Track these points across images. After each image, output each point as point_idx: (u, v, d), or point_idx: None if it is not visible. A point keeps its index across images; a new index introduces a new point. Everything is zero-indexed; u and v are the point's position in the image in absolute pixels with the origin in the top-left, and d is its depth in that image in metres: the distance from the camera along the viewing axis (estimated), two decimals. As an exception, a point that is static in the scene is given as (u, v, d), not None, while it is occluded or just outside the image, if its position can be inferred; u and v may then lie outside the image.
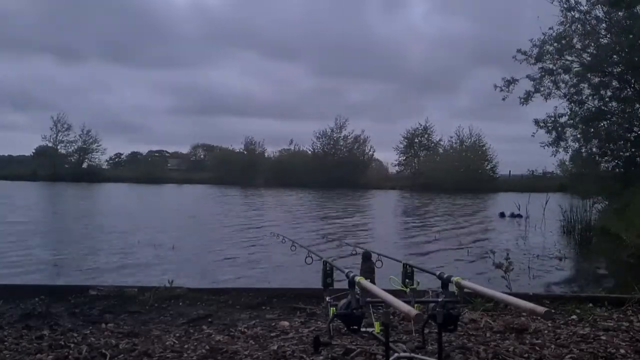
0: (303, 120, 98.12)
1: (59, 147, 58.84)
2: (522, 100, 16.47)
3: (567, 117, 16.28)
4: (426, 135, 57.76)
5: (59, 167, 55.78)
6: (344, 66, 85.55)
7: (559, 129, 16.16)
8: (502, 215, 18.74)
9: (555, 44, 15.84)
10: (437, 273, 2.42)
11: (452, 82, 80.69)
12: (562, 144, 16.33)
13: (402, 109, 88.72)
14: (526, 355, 3.13)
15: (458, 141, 54.21)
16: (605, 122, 15.92)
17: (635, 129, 15.65)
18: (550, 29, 15.88)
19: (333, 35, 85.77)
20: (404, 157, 57.57)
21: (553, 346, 3.30)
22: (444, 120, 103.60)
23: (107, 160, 65.11)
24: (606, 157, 16.35)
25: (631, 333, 3.63)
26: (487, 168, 52.90)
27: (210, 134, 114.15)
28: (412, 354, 2.54)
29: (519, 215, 17.27)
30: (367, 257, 2.88)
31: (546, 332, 3.63)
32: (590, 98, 16.20)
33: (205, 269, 8.28)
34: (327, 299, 2.56)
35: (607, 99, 16.13)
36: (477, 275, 7.60)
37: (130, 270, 7.96)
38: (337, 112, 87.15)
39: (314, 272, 3.98)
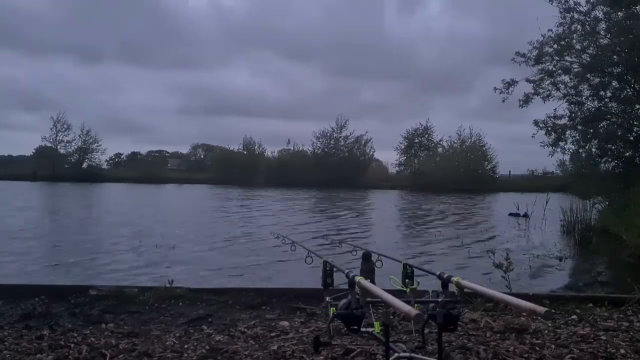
0: (312, 120, 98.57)
1: (58, 147, 58.90)
2: (521, 102, 16.48)
3: (566, 118, 16.29)
4: (426, 135, 57.88)
5: (59, 167, 55.75)
6: (355, 66, 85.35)
7: (559, 130, 16.16)
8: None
9: (555, 45, 15.83)
10: (437, 273, 2.42)
11: (462, 83, 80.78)
12: (562, 144, 16.33)
13: (410, 109, 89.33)
14: (526, 355, 3.13)
15: (458, 141, 54.29)
16: (605, 123, 15.91)
17: (635, 129, 15.64)
18: (549, 30, 15.89)
19: (347, 35, 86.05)
20: (404, 157, 57.64)
21: (553, 346, 3.30)
22: (452, 121, 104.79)
23: (107, 160, 65.20)
24: (606, 158, 16.34)
25: (631, 333, 3.63)
26: (487, 168, 52.93)
27: (218, 134, 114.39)
28: (412, 354, 2.54)
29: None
30: (367, 257, 2.87)
31: (546, 332, 3.63)
32: (590, 99, 16.21)
33: (205, 269, 8.28)
34: (327, 299, 2.56)
35: (606, 100, 16.12)
36: (477, 275, 7.60)
37: (130, 270, 7.96)
38: (345, 112, 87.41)
39: (314, 272, 3.98)
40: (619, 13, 14.81)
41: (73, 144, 58.95)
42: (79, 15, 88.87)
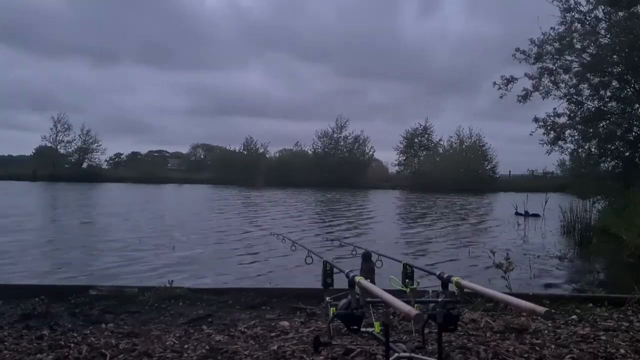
0: (321, 121, 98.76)
1: (59, 147, 58.97)
2: (520, 98, 16.43)
3: (566, 117, 16.28)
4: (426, 135, 57.95)
5: (59, 167, 55.82)
6: (365, 67, 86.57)
7: (558, 129, 16.15)
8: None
9: (556, 44, 15.81)
10: (437, 273, 2.42)
11: (472, 84, 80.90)
12: (561, 143, 16.32)
13: (419, 110, 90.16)
14: (526, 355, 3.13)
15: (458, 141, 54.34)
16: (604, 122, 15.90)
17: (634, 129, 15.64)
18: (551, 28, 15.87)
19: (358, 37, 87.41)
20: (404, 157, 57.69)
21: (553, 346, 3.30)
22: (461, 122, 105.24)
23: (107, 160, 65.27)
24: (606, 157, 16.34)
25: (631, 333, 3.63)
26: (487, 168, 52.97)
27: (225, 134, 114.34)
28: (412, 354, 2.54)
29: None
30: (367, 257, 2.87)
31: (546, 332, 3.63)
32: (590, 98, 16.20)
33: (205, 269, 8.28)
34: (327, 299, 2.56)
35: (606, 99, 16.12)
36: (477, 275, 7.60)
37: (130, 270, 7.96)
38: (354, 113, 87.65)
39: (314, 272, 3.99)
40: (619, 13, 14.80)
41: (73, 144, 59.15)
42: (89, 16, 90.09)
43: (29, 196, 28.59)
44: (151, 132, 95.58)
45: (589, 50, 15.71)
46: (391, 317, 3.24)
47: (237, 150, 59.22)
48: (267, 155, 59.38)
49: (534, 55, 15.97)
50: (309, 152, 58.34)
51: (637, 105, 15.63)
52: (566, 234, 13.43)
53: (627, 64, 14.85)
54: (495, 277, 6.10)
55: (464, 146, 53.31)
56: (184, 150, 75.03)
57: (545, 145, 16.21)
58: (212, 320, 3.99)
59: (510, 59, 16.43)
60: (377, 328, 2.45)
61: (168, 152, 74.91)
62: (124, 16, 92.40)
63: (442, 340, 2.54)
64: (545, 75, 15.93)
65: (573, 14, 15.55)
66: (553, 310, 4.01)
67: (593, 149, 16.31)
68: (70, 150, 59.39)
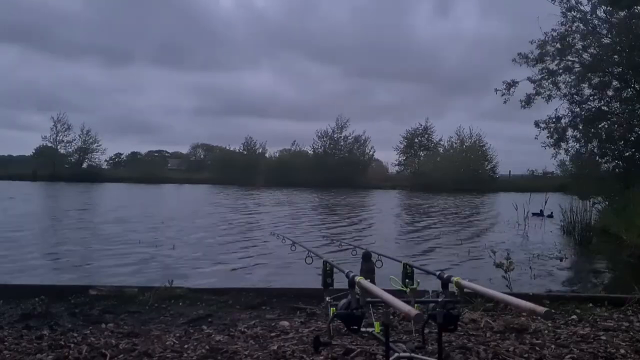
0: (326, 121, 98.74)
1: (59, 147, 58.99)
2: (522, 103, 16.47)
3: (567, 118, 16.29)
4: (426, 135, 57.96)
5: (59, 167, 55.82)
6: (374, 68, 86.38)
7: (560, 130, 16.16)
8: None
9: (557, 45, 15.82)
10: (437, 273, 2.41)
11: (479, 84, 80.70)
12: (563, 144, 16.34)
13: (426, 110, 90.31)
14: (526, 355, 3.13)
15: (458, 141, 54.37)
16: (605, 123, 15.90)
17: (635, 129, 15.64)
18: (553, 30, 15.88)
19: (368, 38, 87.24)
20: (404, 157, 57.70)
21: (553, 346, 3.30)
22: (467, 122, 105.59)
23: (106, 160, 65.26)
24: (606, 158, 16.34)
25: (631, 333, 3.63)
26: (487, 168, 53.00)
27: (233, 135, 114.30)
28: (412, 354, 2.54)
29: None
30: (367, 257, 2.87)
31: (546, 332, 3.63)
32: (591, 98, 16.21)
33: (205, 268, 8.28)
34: (327, 299, 2.55)
35: (607, 100, 16.12)
36: (477, 275, 7.60)
37: (130, 270, 7.96)
38: (361, 113, 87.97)
39: (314, 272, 3.98)
40: (620, 13, 14.81)
41: (73, 144, 59.14)
42: (100, 17, 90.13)
43: (28, 196, 28.59)
44: (155, 132, 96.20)
45: (589, 51, 15.72)
46: (391, 317, 3.24)
47: (237, 150, 59.27)
48: (267, 155, 59.46)
49: (534, 58, 15.99)
50: (309, 152, 58.42)
51: (638, 106, 15.63)
52: (566, 234, 13.43)
53: (627, 64, 14.86)
54: (496, 277, 6.10)
55: (464, 146, 53.34)
56: (184, 150, 75.14)
57: (548, 147, 16.26)
58: (212, 320, 3.99)
59: (516, 59, 16.46)
60: (377, 328, 2.45)
61: (168, 152, 74.99)
62: (135, 17, 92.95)
63: (442, 340, 2.54)
64: (547, 77, 15.95)
65: (574, 13, 15.57)
66: (553, 310, 4.01)
67: (594, 149, 16.33)
68: (70, 150, 59.50)
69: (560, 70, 15.92)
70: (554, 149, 16.28)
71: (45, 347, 3.21)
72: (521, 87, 16.63)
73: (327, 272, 2.62)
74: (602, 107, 15.97)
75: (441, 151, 55.83)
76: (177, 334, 3.55)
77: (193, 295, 4.66)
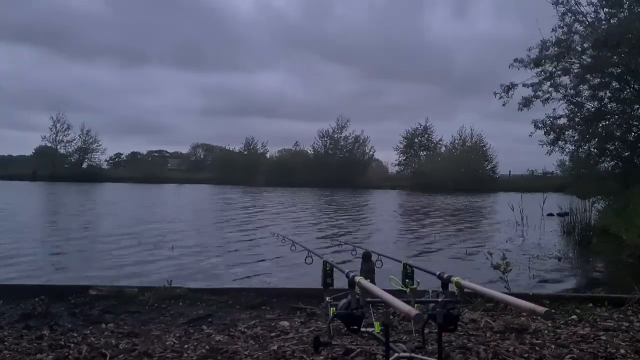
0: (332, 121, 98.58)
1: (58, 147, 59.00)
2: (520, 106, 16.47)
3: (566, 118, 16.29)
4: (426, 135, 57.99)
5: (59, 167, 55.84)
6: (386, 68, 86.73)
7: (558, 130, 16.16)
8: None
9: (555, 48, 15.81)
10: (437, 273, 2.41)
11: (488, 85, 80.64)
12: (560, 143, 16.32)
13: (433, 111, 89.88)
14: (526, 355, 3.13)
15: (460, 141, 54.42)
16: (604, 123, 15.90)
17: (634, 129, 15.64)
18: (553, 30, 15.87)
19: (382, 39, 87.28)
20: (404, 157, 57.73)
21: (553, 346, 3.30)
22: (477, 122, 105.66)
23: (106, 160, 65.30)
24: (605, 158, 16.34)
25: (631, 333, 3.63)
26: (487, 168, 53.03)
27: (240, 135, 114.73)
28: (412, 354, 2.54)
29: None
30: (367, 257, 2.87)
31: (546, 332, 3.63)
32: (589, 99, 16.20)
33: (205, 268, 8.27)
34: (327, 299, 2.55)
35: (606, 100, 16.11)
36: (477, 275, 7.59)
37: (130, 270, 7.95)
38: (371, 113, 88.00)
39: (314, 272, 3.98)
40: (621, 13, 14.81)
41: (73, 144, 59.14)
42: (115, 19, 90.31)
43: (29, 196, 28.58)
44: (162, 132, 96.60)
45: (588, 52, 15.72)
46: (391, 317, 3.24)
47: (237, 150, 59.32)
48: (267, 155, 59.48)
49: (532, 62, 16.00)
50: (309, 152, 58.44)
51: (637, 106, 15.63)
52: (566, 234, 13.42)
53: (626, 64, 14.85)
54: (495, 277, 6.09)
55: (464, 146, 53.38)
56: (184, 150, 75.16)
57: (545, 146, 16.25)
58: (212, 320, 3.99)
59: (521, 67, 16.44)
60: (377, 328, 2.45)
61: (168, 152, 75.03)
62: (147, 18, 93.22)
63: (442, 340, 2.54)
64: (544, 82, 15.96)
65: (574, 15, 15.56)
66: (553, 310, 4.01)
67: (593, 149, 16.32)
68: (70, 150, 59.51)
69: (559, 72, 15.91)
70: (551, 147, 16.27)
71: (45, 347, 3.21)
72: (521, 89, 16.64)
73: (327, 272, 2.62)
74: (601, 108, 15.96)
75: (441, 151, 55.89)
76: (177, 334, 3.55)
77: (193, 295, 4.66)
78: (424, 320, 2.46)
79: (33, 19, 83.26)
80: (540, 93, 16.11)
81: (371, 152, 58.29)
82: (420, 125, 57.96)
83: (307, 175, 50.61)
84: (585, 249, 11.47)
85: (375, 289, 2.01)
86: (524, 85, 16.23)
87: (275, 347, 3.21)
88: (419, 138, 57.87)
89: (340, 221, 17.28)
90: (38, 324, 3.77)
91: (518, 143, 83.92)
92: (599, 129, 15.71)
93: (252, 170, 52.92)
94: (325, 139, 57.22)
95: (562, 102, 16.19)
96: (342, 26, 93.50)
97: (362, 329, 2.38)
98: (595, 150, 16.24)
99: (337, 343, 3.20)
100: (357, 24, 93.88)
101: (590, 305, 4.39)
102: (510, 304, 1.95)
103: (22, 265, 8.19)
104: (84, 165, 59.64)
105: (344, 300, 2.35)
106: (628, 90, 15.78)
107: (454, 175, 46.43)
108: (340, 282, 2.57)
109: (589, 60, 15.58)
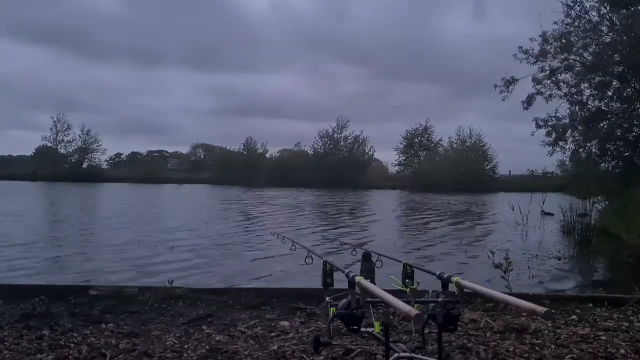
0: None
1: (59, 147, 58.97)
2: (524, 104, 16.46)
3: (567, 117, 16.29)
4: (426, 136, 57.96)
5: (59, 167, 55.82)
6: (393, 69, 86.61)
7: (559, 129, 16.16)
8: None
9: (557, 43, 15.81)
10: (437, 273, 2.41)
11: (492, 86, 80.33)
12: (561, 143, 16.33)
13: (439, 111, 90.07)
14: (526, 355, 3.13)
15: (459, 141, 54.38)
16: (605, 122, 15.90)
17: (635, 129, 15.64)
18: (555, 23, 15.86)
19: (394, 39, 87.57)
20: (404, 157, 57.71)
21: (553, 346, 3.30)
22: (479, 122, 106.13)
23: (106, 160, 65.28)
24: (606, 157, 16.34)
25: (631, 333, 3.63)
26: (487, 168, 53.01)
27: (242, 135, 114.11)
28: (412, 354, 2.54)
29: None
30: (367, 257, 2.87)
31: (546, 332, 3.63)
32: (590, 98, 16.22)
33: (205, 269, 8.27)
34: (327, 299, 2.55)
35: (607, 99, 16.12)
36: (477, 275, 7.60)
37: (130, 270, 7.96)
38: (378, 113, 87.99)
39: (314, 272, 3.98)
40: (622, 11, 14.80)
41: (73, 144, 59.12)
42: (129, 21, 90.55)
43: (29, 196, 28.58)
44: (168, 133, 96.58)
45: (590, 50, 15.72)
46: (391, 317, 3.24)
47: (237, 150, 59.29)
48: (267, 155, 59.47)
49: (535, 55, 15.99)
50: (309, 152, 58.43)
51: (638, 105, 15.63)
52: (566, 234, 13.42)
53: (627, 63, 14.85)
54: (495, 277, 6.09)
55: (464, 146, 53.35)
56: (184, 150, 75.13)
57: (546, 146, 16.26)
58: (212, 320, 3.99)
59: (524, 59, 16.43)
60: (377, 328, 2.45)
61: (168, 152, 75.01)
62: (158, 19, 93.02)
63: (442, 340, 2.53)
64: (546, 77, 15.95)
65: (576, 12, 15.58)
66: (553, 310, 4.01)
67: (594, 149, 16.32)
68: (70, 150, 59.49)
69: (562, 67, 15.89)
70: (552, 147, 16.27)
71: (45, 347, 3.21)
72: (523, 88, 16.63)
73: (327, 272, 2.62)
74: (602, 107, 15.96)
75: (442, 151, 55.87)
76: (177, 334, 3.55)
77: (193, 295, 4.66)
78: (424, 320, 2.46)
79: (46, 20, 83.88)
80: (542, 89, 16.13)
81: (371, 152, 58.32)
82: (421, 125, 57.98)
83: (307, 175, 50.57)
84: (585, 249, 11.47)
85: (375, 289, 2.01)
86: (532, 79, 16.15)
87: (275, 347, 3.21)
88: (419, 138, 57.85)
89: (340, 221, 17.28)
90: (38, 324, 3.77)
91: (518, 143, 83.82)
92: (600, 129, 15.71)
93: (252, 170, 52.89)
94: (325, 139, 57.24)
95: (563, 101, 16.21)
96: (353, 27, 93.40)
97: (362, 329, 2.38)
98: (596, 150, 16.25)
99: (337, 343, 3.19)
100: (366, 25, 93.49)
101: (590, 305, 4.39)
102: (510, 304, 1.95)
103: (22, 265, 8.20)
104: (84, 165, 59.62)
105: (344, 300, 2.35)
106: (629, 89, 15.78)
107: (454, 175, 46.40)
108: (340, 282, 2.57)
109: (590, 58, 15.58)
